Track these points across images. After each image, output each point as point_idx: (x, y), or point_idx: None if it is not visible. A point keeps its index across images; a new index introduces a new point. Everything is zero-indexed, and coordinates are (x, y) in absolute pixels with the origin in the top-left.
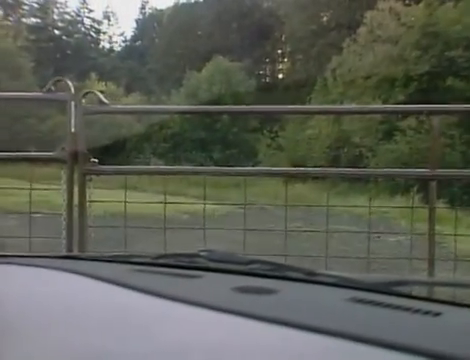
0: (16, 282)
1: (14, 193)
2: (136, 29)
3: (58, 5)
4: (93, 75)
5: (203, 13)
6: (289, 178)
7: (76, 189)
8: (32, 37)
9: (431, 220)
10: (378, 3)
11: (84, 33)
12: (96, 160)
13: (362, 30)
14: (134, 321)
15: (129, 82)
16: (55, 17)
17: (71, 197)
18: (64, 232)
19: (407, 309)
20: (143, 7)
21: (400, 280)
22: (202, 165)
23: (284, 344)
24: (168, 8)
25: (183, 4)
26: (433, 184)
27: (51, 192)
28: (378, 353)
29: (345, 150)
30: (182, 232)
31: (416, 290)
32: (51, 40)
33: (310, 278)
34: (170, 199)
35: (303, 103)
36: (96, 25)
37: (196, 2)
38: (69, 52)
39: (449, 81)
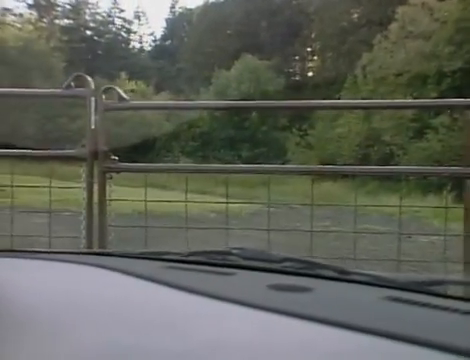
0: (49, 278)
1: (43, 191)
2: (166, 28)
3: (90, 6)
4: (123, 74)
5: (232, 11)
6: (317, 176)
7: (96, 187)
8: (65, 38)
9: (467, 220)
10: None
11: (115, 33)
12: (116, 157)
13: (393, 26)
14: (169, 318)
15: (159, 81)
16: (87, 18)
17: (91, 195)
18: (84, 231)
19: (445, 308)
20: (173, 6)
21: (435, 280)
22: (230, 164)
23: (320, 342)
24: (198, 7)
25: (213, 3)
26: (468, 182)
27: (80, 190)
28: (416, 352)
29: (375, 148)
30: (209, 231)
31: (451, 290)
32: (83, 40)
33: (343, 276)
34: (198, 197)
35: None
36: (127, 25)
37: (226, 1)
38: (100, 52)
39: None
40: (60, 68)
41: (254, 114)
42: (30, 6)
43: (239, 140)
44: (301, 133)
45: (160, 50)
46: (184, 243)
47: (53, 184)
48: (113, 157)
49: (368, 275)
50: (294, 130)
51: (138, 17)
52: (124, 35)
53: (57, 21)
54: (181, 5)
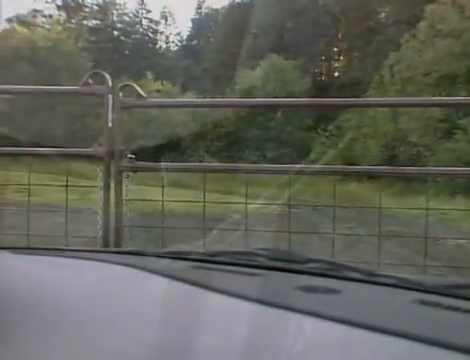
0: (71, 275)
1: (68, 190)
2: (192, 29)
3: (117, 7)
4: (149, 74)
5: (258, 11)
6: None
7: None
8: (92, 38)
9: None
10: None
11: (142, 34)
12: (133, 156)
13: (422, 25)
14: (197, 317)
15: (185, 81)
16: (114, 19)
17: (107, 194)
18: (100, 231)
19: None
20: (199, 7)
21: (463, 283)
22: (255, 164)
23: (349, 343)
24: (223, 7)
25: (238, 3)
26: None
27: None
28: (449, 356)
29: (401, 149)
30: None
31: None
32: (110, 41)
33: (370, 279)
34: (222, 197)
35: None
36: (153, 25)
37: (251, 1)
38: (127, 52)
39: None
40: (88, 68)
41: (279, 114)
42: (59, 7)
43: (264, 140)
44: (326, 133)
45: (186, 50)
46: (202, 243)
47: (74, 183)
48: (130, 156)
49: (395, 278)
50: (319, 130)
51: (165, 18)
52: (151, 35)
53: (85, 22)
54: (207, 5)
